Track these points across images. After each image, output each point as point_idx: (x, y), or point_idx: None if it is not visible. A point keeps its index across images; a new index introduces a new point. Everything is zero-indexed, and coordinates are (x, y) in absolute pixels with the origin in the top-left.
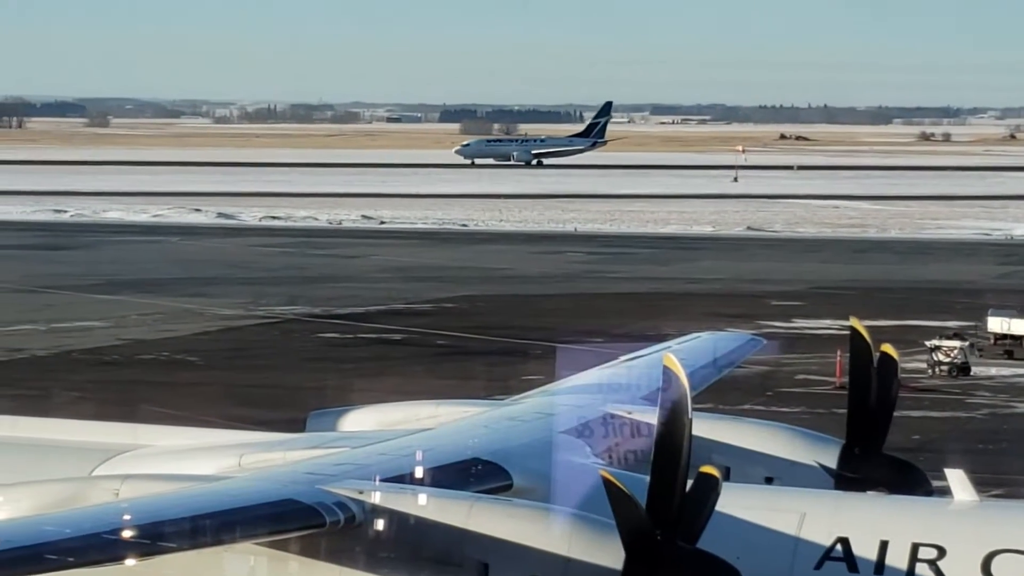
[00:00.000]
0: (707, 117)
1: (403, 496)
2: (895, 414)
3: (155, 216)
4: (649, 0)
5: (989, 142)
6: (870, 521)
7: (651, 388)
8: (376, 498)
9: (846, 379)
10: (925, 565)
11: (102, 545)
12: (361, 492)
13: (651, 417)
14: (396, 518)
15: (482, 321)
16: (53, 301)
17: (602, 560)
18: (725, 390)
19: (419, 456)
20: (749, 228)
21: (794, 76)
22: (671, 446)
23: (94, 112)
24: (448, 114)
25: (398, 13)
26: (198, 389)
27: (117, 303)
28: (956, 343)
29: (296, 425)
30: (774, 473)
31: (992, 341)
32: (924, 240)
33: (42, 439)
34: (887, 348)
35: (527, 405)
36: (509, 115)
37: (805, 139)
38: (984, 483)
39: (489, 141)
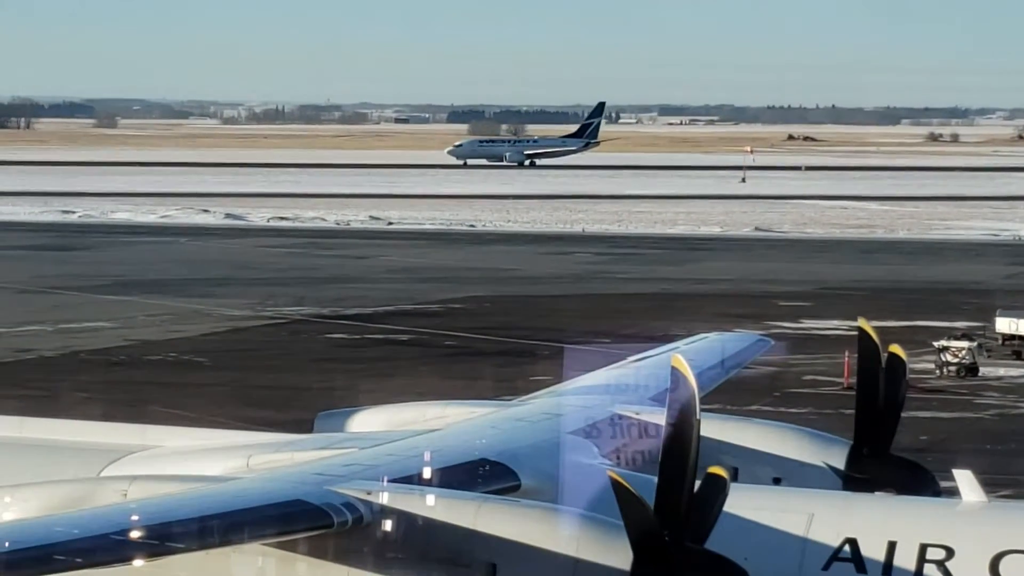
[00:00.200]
0: (715, 118)
1: (411, 497)
2: (903, 415)
3: (163, 217)
4: (657, 1)
5: (997, 143)
6: (878, 522)
7: (659, 389)
8: (384, 499)
9: (854, 380)
10: (933, 566)
11: (110, 546)
12: (369, 493)
13: (659, 418)
14: (404, 519)
15: (490, 322)
16: (61, 302)
17: (610, 561)
18: (733, 391)
19: (427, 457)
20: (757, 229)
21: (802, 77)
22: (679, 447)
23: (102, 113)
24: (456, 115)
25: (406, 14)
26: (206, 390)
27: (125, 304)
28: (964, 344)
29: (304, 426)
30: (782, 474)
31: (1000, 342)
32: (932, 241)
33: (50, 440)
34: (895, 349)
35: (535, 406)
36: (517, 116)
37: (813, 140)
38: (992, 484)
39: (482, 142)
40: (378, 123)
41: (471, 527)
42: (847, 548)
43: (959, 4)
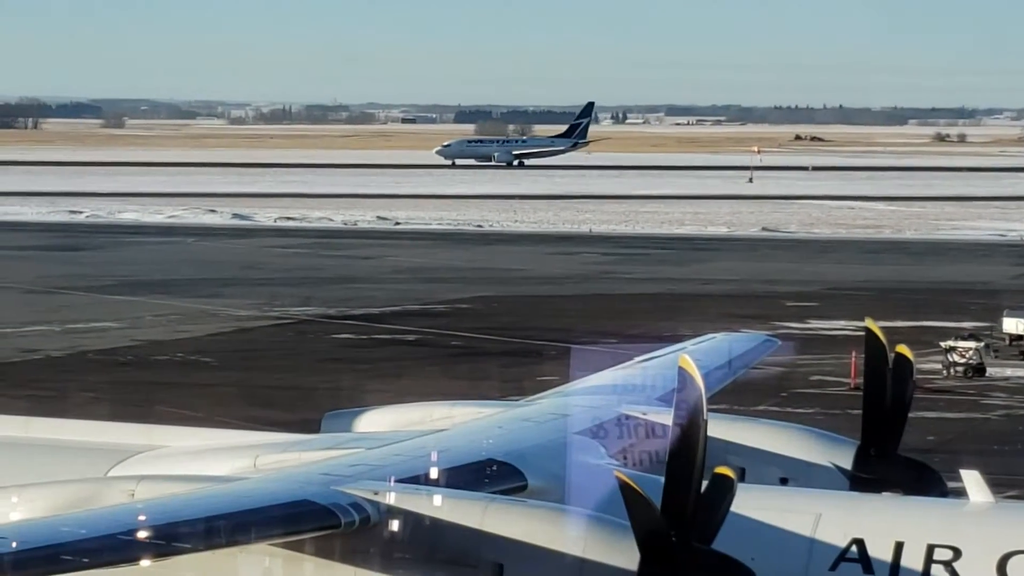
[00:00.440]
0: (722, 118)
1: (418, 497)
2: (910, 415)
3: (170, 217)
4: (664, 2)
5: (1004, 143)
6: (885, 522)
7: (666, 389)
8: (391, 499)
9: (861, 380)
10: (940, 566)
11: (118, 546)
12: (376, 493)
13: (666, 418)
14: (411, 519)
15: (497, 322)
16: (68, 302)
17: (617, 561)
18: (740, 391)
19: (434, 457)
20: (764, 229)
21: (809, 77)
22: (686, 447)
23: (109, 113)
24: (463, 115)
25: (413, 14)
26: (213, 390)
27: (132, 304)
28: (971, 344)
29: (311, 426)
30: (789, 474)
31: (1007, 342)
32: (939, 241)
33: (57, 440)
34: (902, 349)
35: (542, 406)
36: (524, 116)
37: (820, 140)
38: (1000, 484)
39: (470, 141)
40: (385, 123)
41: (478, 527)
42: (854, 548)
43: (966, 5)
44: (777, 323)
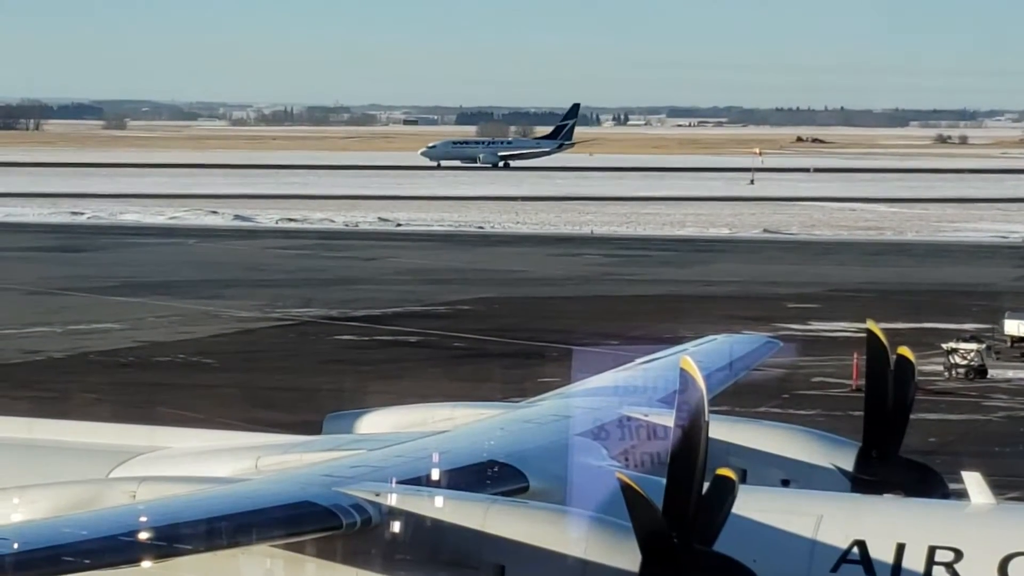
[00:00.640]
0: (724, 119)
1: (419, 498)
2: (912, 417)
3: (172, 218)
4: (666, 3)
5: (1006, 144)
6: (887, 524)
7: (668, 390)
8: (392, 500)
9: (863, 382)
10: (942, 568)
11: (119, 547)
12: (377, 494)
13: (667, 420)
14: (412, 520)
15: (499, 323)
16: (70, 303)
17: (618, 562)
18: (741, 392)
19: (435, 458)
20: (766, 230)
21: (811, 79)
22: (687, 449)
23: (111, 114)
24: (465, 116)
25: (414, 15)
26: (214, 391)
27: (134, 305)
28: (973, 346)
29: (312, 427)
30: (791, 476)
31: (1009, 343)
32: (941, 243)
33: (59, 441)
34: (904, 351)
35: (543, 407)
36: (526, 117)
37: (822, 142)
38: (1001, 486)
39: (455, 143)
40: (387, 125)
41: (480, 529)
42: (856, 550)
43: (967, 7)
44: (778, 325)
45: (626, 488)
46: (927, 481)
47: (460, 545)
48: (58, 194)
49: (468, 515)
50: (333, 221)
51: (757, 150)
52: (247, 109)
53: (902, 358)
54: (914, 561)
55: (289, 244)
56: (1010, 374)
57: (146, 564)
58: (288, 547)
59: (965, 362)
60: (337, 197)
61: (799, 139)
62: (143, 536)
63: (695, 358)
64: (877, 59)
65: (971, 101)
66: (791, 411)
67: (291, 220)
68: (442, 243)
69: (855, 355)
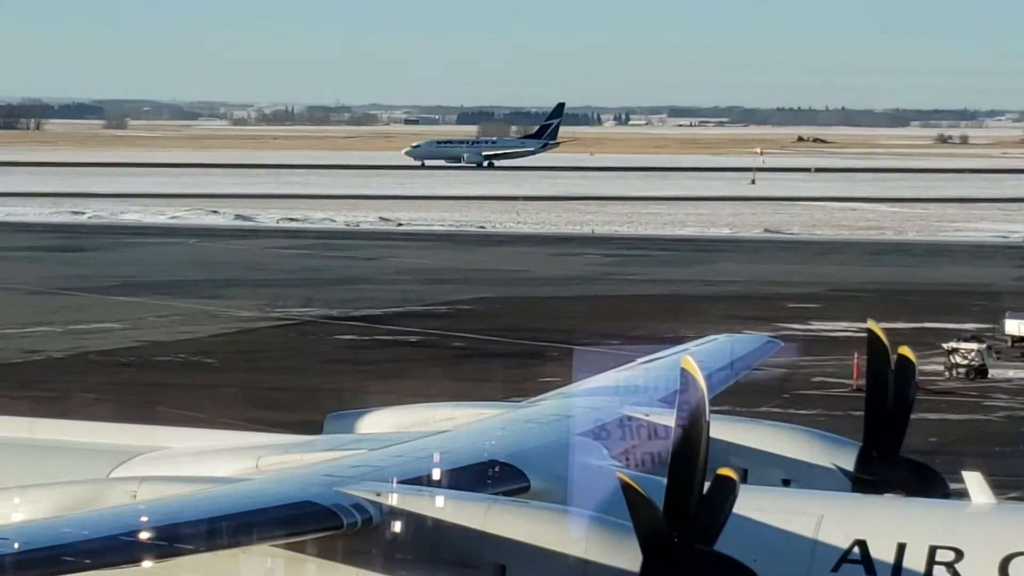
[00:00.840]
0: (725, 119)
1: (420, 498)
2: (912, 417)
3: (173, 218)
4: (667, 3)
5: (1006, 144)
6: (888, 524)
7: (668, 390)
8: (393, 500)
9: (863, 381)
10: (943, 568)
11: (119, 547)
12: (378, 494)
13: (668, 419)
14: (413, 520)
15: (499, 323)
16: (70, 303)
17: (619, 562)
18: (742, 392)
19: (436, 458)
20: (766, 230)
21: (812, 79)
22: (688, 448)
23: (112, 114)
24: (465, 116)
25: (415, 15)
26: (215, 391)
27: (134, 305)
28: (973, 345)
29: (313, 427)
30: (791, 475)
31: (1010, 343)
32: (941, 242)
33: (60, 441)
34: (904, 350)
35: (544, 407)
36: (527, 117)
37: (823, 141)
38: (1002, 486)
39: (440, 142)
40: (388, 124)
41: (481, 528)
42: (856, 550)
43: (968, 6)
44: (779, 324)
45: (627, 488)
46: (928, 481)
47: (461, 545)
48: (59, 194)
49: (469, 515)
50: (334, 221)
51: (758, 150)
52: (248, 109)
53: (903, 358)
54: (915, 561)
55: (290, 244)
56: (1011, 374)
57: (147, 564)
58: (289, 547)
59: (966, 362)
60: (338, 197)
61: (800, 139)
62: (144, 536)
63: (696, 358)
64: (878, 59)
65: (972, 101)
66: (792, 411)
67: (292, 220)
68: (443, 243)
69: (856, 355)
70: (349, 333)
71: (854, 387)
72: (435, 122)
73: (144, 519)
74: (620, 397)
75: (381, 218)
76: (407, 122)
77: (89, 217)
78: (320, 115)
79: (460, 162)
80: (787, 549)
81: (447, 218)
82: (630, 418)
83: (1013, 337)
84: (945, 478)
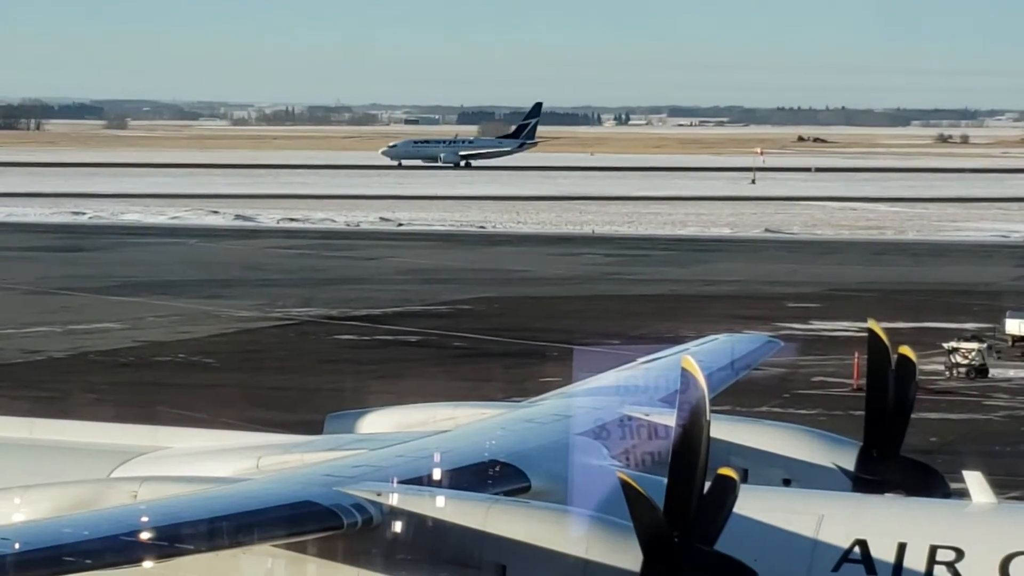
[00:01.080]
0: (725, 119)
1: (421, 498)
2: (913, 416)
3: (173, 218)
4: (667, 3)
5: (1007, 144)
6: (888, 523)
7: (669, 390)
8: (394, 500)
9: (863, 381)
10: (943, 567)
11: (120, 547)
12: (379, 494)
13: (669, 419)
14: (414, 520)
15: (499, 323)
16: (70, 303)
17: (620, 562)
18: (742, 392)
19: (436, 458)
20: (767, 230)
21: (812, 78)
22: (689, 448)
23: (112, 114)
24: (466, 116)
25: (415, 15)
26: (215, 391)
27: (134, 305)
28: (974, 345)
29: (313, 427)
30: (792, 475)
31: (1010, 343)
32: (942, 242)
33: (60, 441)
34: (905, 350)
35: (545, 407)
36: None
37: (823, 141)
38: (1002, 485)
39: (416, 142)
40: (388, 124)
41: (481, 528)
42: (857, 550)
43: (968, 6)
44: (780, 324)
45: (627, 488)
46: (928, 480)
47: (461, 545)
48: (59, 194)
49: (469, 515)
50: (334, 221)
51: (758, 150)
52: (248, 109)
53: (903, 357)
54: (915, 560)
55: (290, 244)
56: (1011, 373)
57: (147, 564)
58: (289, 547)
59: (966, 361)
60: (338, 197)
61: (800, 139)
62: (144, 536)
63: (696, 358)
64: (878, 59)
65: (972, 100)
66: (792, 410)
67: (292, 220)
68: (443, 243)
69: (856, 354)
70: (349, 333)
71: (854, 387)
72: (435, 122)
73: (145, 519)
74: (620, 397)
75: (381, 218)
76: (407, 122)
77: (89, 217)
78: (320, 115)
79: (437, 162)
80: (788, 549)
81: (447, 218)
82: (630, 418)
83: (1013, 337)
84: (946, 478)
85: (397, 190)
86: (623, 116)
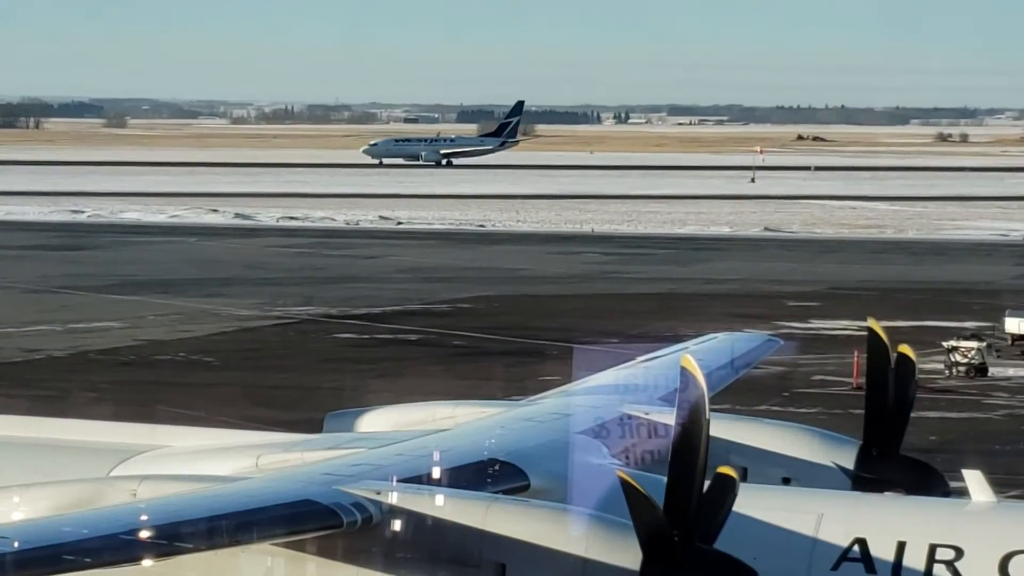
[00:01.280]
0: (724, 118)
1: (420, 497)
2: (912, 415)
3: (172, 217)
4: (666, 2)
5: (1006, 143)
6: (888, 522)
7: (668, 389)
8: (393, 499)
9: (863, 380)
10: (942, 566)
11: (119, 546)
12: (378, 493)
13: (668, 418)
14: (413, 519)
15: (499, 322)
16: (70, 302)
17: (619, 561)
18: (742, 391)
19: (436, 457)
20: (766, 229)
21: (811, 77)
22: (688, 447)
23: (111, 113)
24: (465, 115)
25: (415, 14)
26: (215, 390)
27: (134, 304)
28: (973, 344)
29: (313, 426)
30: (791, 474)
31: (1010, 342)
32: (941, 241)
33: (60, 440)
34: (905, 349)
35: (544, 406)
36: (527, 116)
37: (822, 140)
38: (1002, 484)
39: (397, 140)
40: (387, 123)
41: (480, 527)
42: (856, 548)
43: (968, 5)
44: (779, 323)
45: (627, 486)
46: (928, 479)
47: (461, 543)
48: (58, 192)
49: (469, 513)
50: (334, 219)
51: (758, 148)
52: (247, 107)
53: (903, 356)
54: (915, 559)
55: (290, 242)
56: (1011, 372)
57: (147, 563)
58: (289, 546)
59: (966, 360)
60: (338, 195)
61: (800, 137)
62: (144, 535)
63: (696, 356)
64: (878, 57)
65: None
66: (792, 409)
67: (292, 218)
68: (443, 241)
69: (855, 353)
70: (349, 332)
71: (854, 385)
72: (435, 120)
73: (144, 518)
74: (620, 395)
75: (381, 216)
76: (407, 121)
77: (89, 216)
78: (320, 114)
79: (418, 160)
80: (787, 547)
81: (447, 216)
82: (630, 417)
83: (1013, 335)
84: (945, 476)
85: (397, 189)
86: (622, 115)
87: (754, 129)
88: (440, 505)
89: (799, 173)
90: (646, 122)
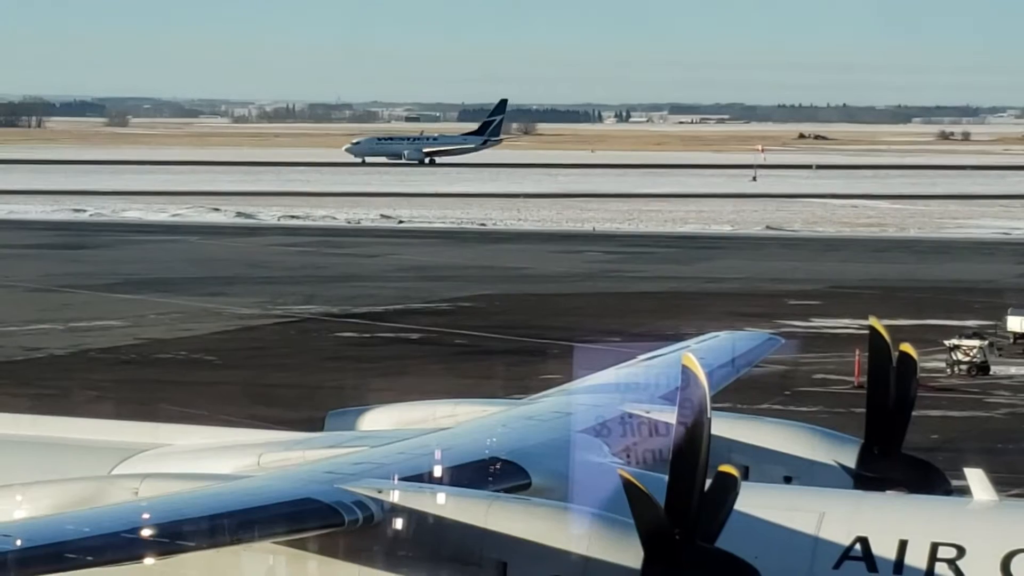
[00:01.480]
0: (726, 116)
1: (422, 495)
2: (914, 413)
3: (174, 215)
4: (667, 1)
5: (1008, 141)
6: (889, 520)
7: (669, 387)
8: (395, 497)
9: (865, 378)
10: (944, 564)
11: (121, 544)
12: (380, 491)
13: (669, 416)
14: (415, 517)
15: (500, 320)
16: (71, 300)
17: (621, 559)
18: (743, 389)
19: (437, 455)
20: (768, 227)
21: (813, 76)
22: (690, 445)
23: (113, 112)
24: (466, 113)
25: (417, 13)
26: (216, 388)
27: (135, 302)
28: (975, 342)
29: (315, 424)
30: (793, 472)
31: (1011, 340)
32: (943, 239)
33: (61, 438)
34: (906, 347)
35: (545, 404)
36: (528, 115)
37: (824, 138)
38: (1003, 483)
39: (380, 139)
40: (389, 122)
41: (482, 525)
42: (858, 547)
43: (970, 3)
44: (781, 321)
45: (628, 485)
46: (929, 478)
47: (462, 542)
48: (60, 191)
49: (470, 512)
50: (335, 218)
51: (759, 147)
52: (249, 106)
53: (904, 355)
54: (916, 558)
55: (291, 241)
56: (1012, 371)
57: (149, 561)
58: (290, 544)
59: (968, 359)
60: (339, 194)
61: (801, 136)
62: (146, 533)
63: (697, 355)
64: (879, 56)
65: (974, 97)
66: (793, 408)
67: (293, 217)
68: (444, 240)
69: (857, 352)
70: (350, 330)
71: (856, 384)
72: (436, 119)
73: (146, 516)
74: (621, 394)
75: (382, 215)
76: (408, 119)
77: (90, 215)
78: (321, 112)
79: (401, 159)
80: (789, 546)
81: (448, 215)
82: (631, 415)
83: (1015, 334)
84: (947, 475)
85: (398, 187)
86: (624, 113)
87: (756, 128)
88: (441, 504)
89: (801, 172)
90: (647, 121)
